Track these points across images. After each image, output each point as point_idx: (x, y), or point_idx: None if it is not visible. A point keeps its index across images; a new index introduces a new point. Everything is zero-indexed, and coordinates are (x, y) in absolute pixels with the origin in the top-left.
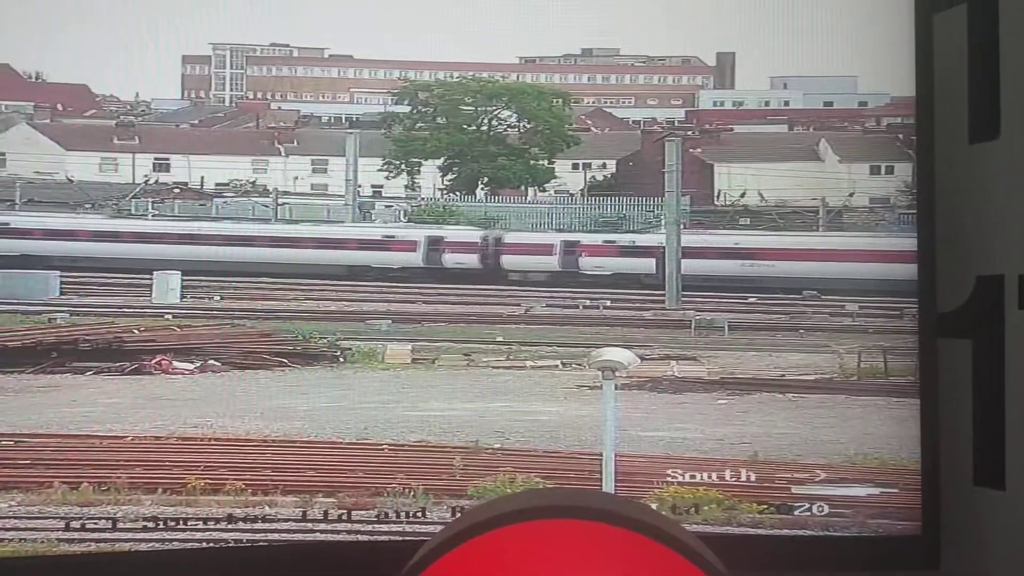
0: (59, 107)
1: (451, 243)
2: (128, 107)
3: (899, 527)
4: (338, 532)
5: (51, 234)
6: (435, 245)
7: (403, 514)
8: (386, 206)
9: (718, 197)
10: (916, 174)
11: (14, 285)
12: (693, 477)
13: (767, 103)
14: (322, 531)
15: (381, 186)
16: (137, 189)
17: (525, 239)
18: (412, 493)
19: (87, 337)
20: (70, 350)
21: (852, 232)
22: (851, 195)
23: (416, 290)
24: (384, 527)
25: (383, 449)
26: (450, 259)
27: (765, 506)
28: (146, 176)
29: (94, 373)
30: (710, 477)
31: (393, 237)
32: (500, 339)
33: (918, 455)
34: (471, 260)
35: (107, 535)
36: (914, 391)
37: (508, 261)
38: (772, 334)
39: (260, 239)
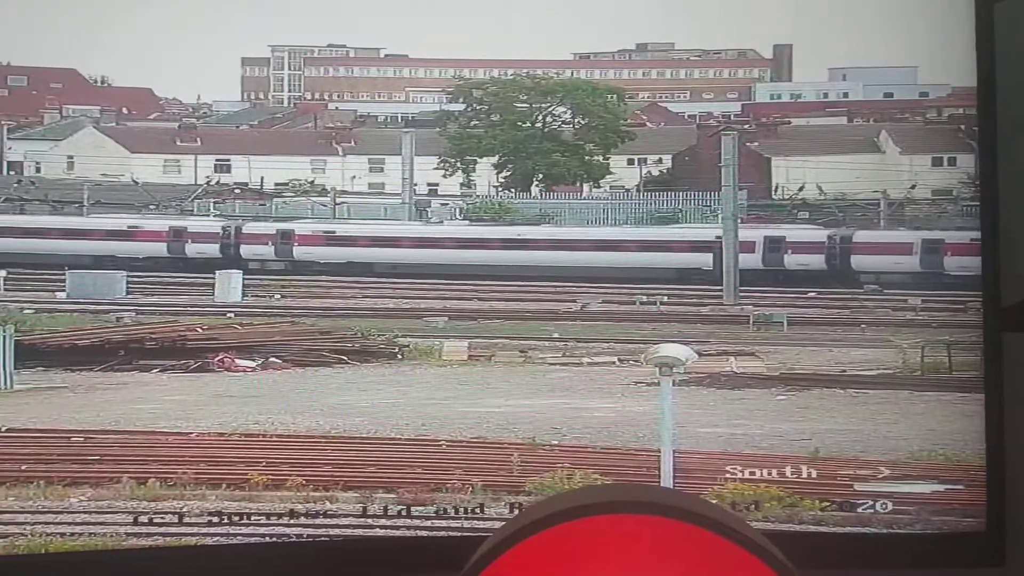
0: (124, 110)
1: (794, 243)
2: (190, 109)
3: (964, 524)
4: (397, 528)
5: (376, 241)
6: (775, 245)
7: (462, 510)
8: (442, 204)
9: (776, 191)
10: (979, 165)
11: (84, 284)
12: (753, 474)
13: (825, 95)
14: (382, 527)
15: (437, 184)
16: (199, 190)
17: (879, 238)
18: (470, 489)
19: (152, 335)
20: (136, 348)
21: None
22: (913, 187)
23: (472, 287)
24: (443, 523)
25: (441, 445)
26: (792, 260)
27: (827, 503)
28: (208, 177)
29: (160, 371)
30: (770, 474)
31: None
32: (556, 335)
33: (983, 451)
34: (816, 261)
35: (173, 529)
36: (979, 386)
37: (859, 262)
38: (832, 329)
39: (581, 243)
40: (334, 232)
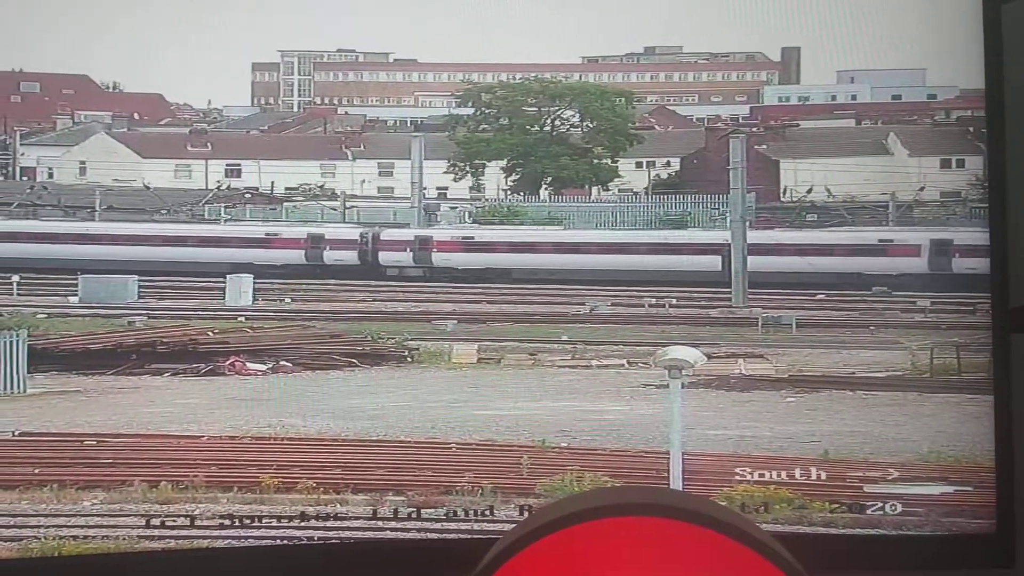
0: (135, 116)
1: (962, 248)
2: (201, 114)
3: (973, 525)
4: (408, 530)
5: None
6: (942, 248)
7: (472, 512)
8: (451, 208)
9: (784, 193)
10: (987, 167)
11: (96, 289)
12: (762, 476)
13: (834, 97)
14: (392, 529)
15: (446, 188)
16: (210, 195)
17: None
18: (480, 491)
19: (164, 339)
20: (148, 352)
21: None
22: (921, 189)
23: (481, 290)
24: (453, 525)
25: (451, 448)
26: (961, 264)
27: (837, 505)
28: (218, 182)
29: (171, 375)
30: (780, 476)
31: (891, 241)
32: (565, 338)
33: (992, 452)
34: (983, 265)
35: (185, 532)
36: (987, 388)
37: None
38: (841, 331)
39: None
40: (472, 238)
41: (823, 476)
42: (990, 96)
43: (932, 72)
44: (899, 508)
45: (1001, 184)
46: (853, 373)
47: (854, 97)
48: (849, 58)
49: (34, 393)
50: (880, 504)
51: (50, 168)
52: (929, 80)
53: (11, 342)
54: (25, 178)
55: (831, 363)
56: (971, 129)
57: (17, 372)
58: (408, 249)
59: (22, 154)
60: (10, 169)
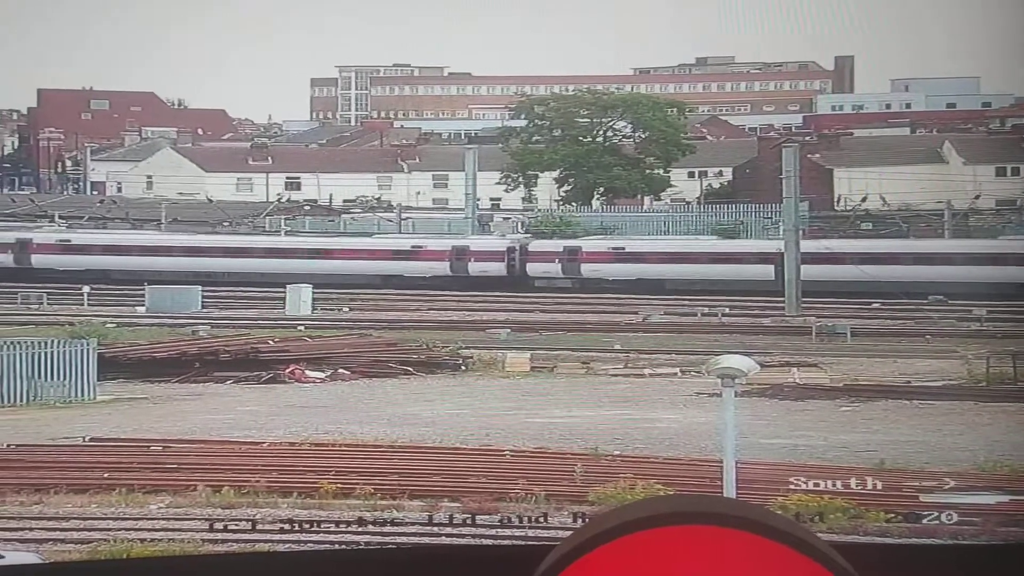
0: (199, 131)
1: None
2: (262, 129)
3: None
4: (463, 536)
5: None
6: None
7: (526, 519)
8: (504, 218)
9: (838, 202)
10: None
11: (163, 299)
12: (817, 485)
13: (888, 106)
14: (447, 535)
15: (499, 199)
16: (271, 207)
17: None
18: (534, 499)
19: (227, 348)
20: (211, 360)
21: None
22: (977, 197)
23: (533, 299)
24: (507, 532)
25: (505, 455)
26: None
27: (892, 515)
28: (279, 194)
29: (233, 382)
30: (834, 485)
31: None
32: (618, 347)
33: None
34: None
35: (247, 536)
36: None
37: None
38: (897, 340)
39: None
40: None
41: (879, 485)
42: None
43: (986, 80)
44: (955, 517)
45: None
46: (909, 382)
47: (908, 105)
48: (903, 67)
49: (103, 400)
50: (936, 513)
51: (119, 182)
52: (984, 88)
53: (82, 350)
54: (95, 192)
55: (887, 372)
56: None
57: (87, 379)
58: None
59: (92, 169)
60: (81, 184)
